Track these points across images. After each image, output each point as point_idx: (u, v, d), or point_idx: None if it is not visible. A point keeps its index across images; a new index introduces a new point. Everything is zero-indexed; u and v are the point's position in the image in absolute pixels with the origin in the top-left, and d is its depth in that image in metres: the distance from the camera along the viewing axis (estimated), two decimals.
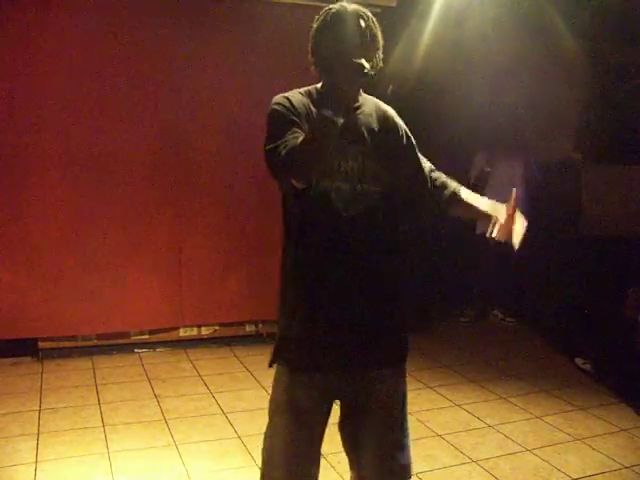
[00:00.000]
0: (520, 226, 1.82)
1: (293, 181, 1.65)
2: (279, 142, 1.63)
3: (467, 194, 1.91)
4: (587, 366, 4.31)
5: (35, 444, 3.09)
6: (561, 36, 4.75)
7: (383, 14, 4.70)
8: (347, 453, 1.90)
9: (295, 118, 1.69)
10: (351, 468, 1.91)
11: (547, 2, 4.67)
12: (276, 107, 1.73)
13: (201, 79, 4.42)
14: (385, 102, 1.90)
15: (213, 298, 4.63)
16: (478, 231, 5.48)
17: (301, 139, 1.59)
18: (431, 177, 1.91)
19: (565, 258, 5.13)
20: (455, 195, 1.89)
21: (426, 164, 1.93)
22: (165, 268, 4.52)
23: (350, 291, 1.74)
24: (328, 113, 1.53)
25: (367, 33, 1.71)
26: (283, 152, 1.60)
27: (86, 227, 4.30)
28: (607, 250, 4.61)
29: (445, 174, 1.96)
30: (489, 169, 5.32)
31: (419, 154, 1.91)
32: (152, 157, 4.41)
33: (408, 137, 1.88)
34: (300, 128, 1.66)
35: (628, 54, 4.97)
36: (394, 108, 1.90)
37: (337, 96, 1.57)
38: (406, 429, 1.86)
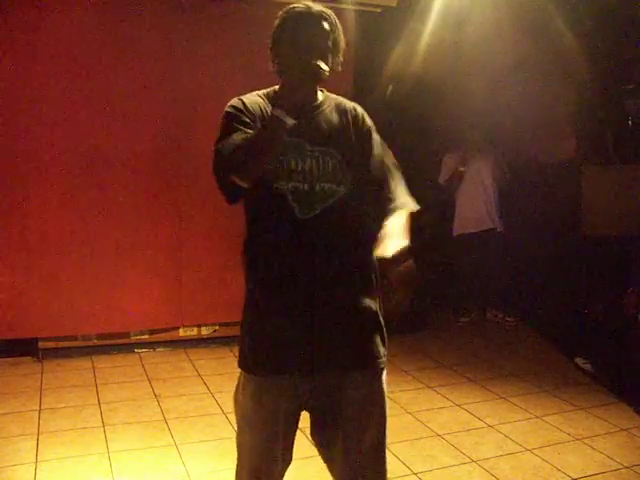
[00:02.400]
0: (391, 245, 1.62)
1: (235, 179, 1.60)
2: (226, 140, 1.62)
3: (396, 220, 1.72)
4: (587, 366, 4.32)
5: (35, 444, 3.09)
6: (561, 36, 4.75)
7: (383, 15, 4.72)
8: (324, 460, 1.85)
9: (247, 119, 1.67)
10: (331, 474, 1.86)
11: (547, 2, 4.67)
12: (229, 109, 1.72)
13: (201, 79, 4.42)
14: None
15: (213, 298, 4.62)
16: (455, 232, 5.51)
17: (246, 137, 1.57)
18: (387, 185, 1.78)
19: (565, 258, 5.14)
20: (385, 216, 1.74)
21: (384, 171, 1.80)
22: (165, 268, 4.52)
23: (311, 292, 1.67)
24: (277, 112, 1.53)
25: (329, 36, 1.69)
26: (227, 150, 1.59)
27: (86, 227, 4.30)
28: (607, 250, 4.62)
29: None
30: (463, 168, 5.33)
31: (385, 150, 1.82)
32: (152, 157, 4.41)
33: (371, 134, 1.80)
34: (251, 128, 1.64)
35: (628, 54, 4.97)
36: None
37: (290, 96, 1.56)
38: (381, 444, 1.76)
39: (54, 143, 4.20)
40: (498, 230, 5.43)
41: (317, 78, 1.57)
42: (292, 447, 1.81)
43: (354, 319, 1.71)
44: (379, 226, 1.70)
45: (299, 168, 1.67)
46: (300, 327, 1.68)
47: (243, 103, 1.73)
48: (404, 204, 1.77)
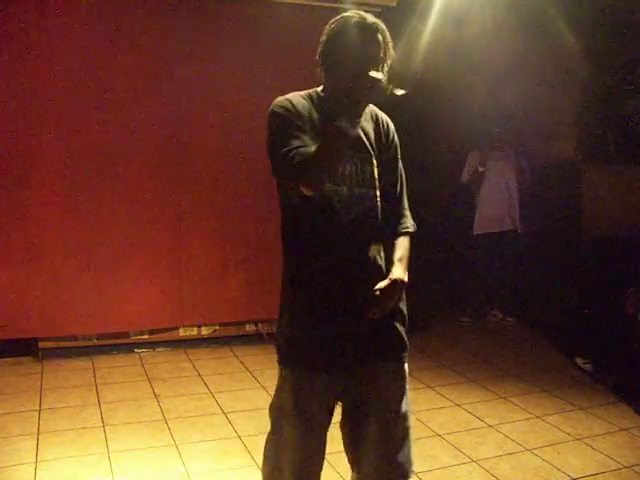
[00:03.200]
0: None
1: (303, 189, 1.66)
2: (290, 148, 1.65)
3: (403, 243, 1.88)
4: (587, 366, 4.32)
5: (35, 444, 3.09)
6: (561, 36, 4.75)
7: (383, 14, 4.71)
8: (347, 452, 1.91)
9: (299, 122, 1.71)
10: (351, 467, 1.92)
11: (547, 2, 4.67)
12: (279, 110, 1.74)
13: (202, 79, 4.42)
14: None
15: (213, 298, 4.63)
16: (475, 232, 5.51)
17: (314, 149, 1.62)
18: (402, 199, 1.93)
19: (565, 258, 5.14)
20: (395, 234, 1.89)
21: (403, 187, 1.94)
22: (165, 268, 4.52)
23: (353, 292, 1.76)
24: (344, 125, 1.57)
25: (384, 48, 1.74)
26: (296, 159, 1.63)
27: (86, 227, 4.31)
28: (607, 250, 4.61)
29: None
30: (482, 169, 5.33)
31: (402, 170, 1.93)
32: (152, 157, 4.41)
33: (397, 149, 1.92)
34: (304, 133, 1.68)
35: (628, 54, 4.97)
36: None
37: (351, 107, 1.61)
38: (407, 427, 1.86)
39: (54, 143, 4.20)
40: (518, 231, 5.43)
41: (379, 92, 1.61)
42: (326, 441, 1.86)
43: (384, 317, 1.78)
44: (394, 235, 1.88)
45: (341, 172, 1.74)
46: (336, 325, 1.76)
47: (292, 104, 1.75)
48: (409, 225, 1.92)
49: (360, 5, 4.56)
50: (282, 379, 1.84)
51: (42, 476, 2.79)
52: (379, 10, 4.46)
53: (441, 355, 4.65)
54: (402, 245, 1.87)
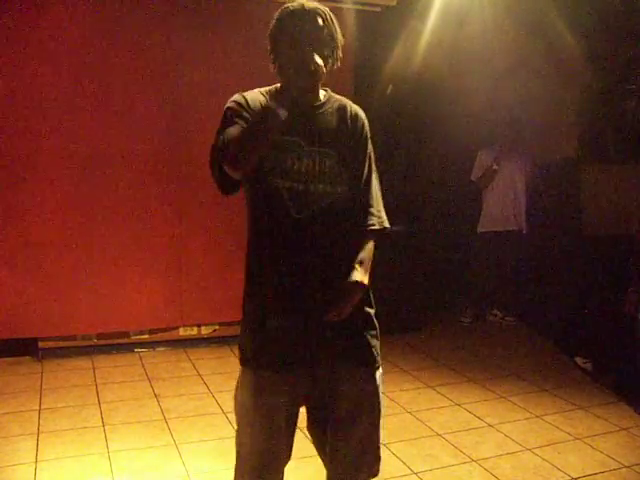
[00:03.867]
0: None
1: (228, 169, 1.61)
2: (222, 133, 1.64)
3: (367, 243, 1.79)
4: (587, 365, 4.32)
5: (35, 444, 3.09)
6: (561, 36, 4.75)
7: (383, 14, 4.72)
8: (319, 454, 1.89)
9: (246, 114, 1.68)
10: (325, 467, 1.90)
11: (547, 2, 4.67)
12: (230, 104, 1.73)
13: (202, 78, 4.42)
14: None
15: (213, 298, 4.62)
16: (480, 229, 5.51)
17: (240, 129, 1.59)
18: (368, 195, 1.82)
19: (565, 257, 5.14)
20: (362, 230, 1.81)
21: (372, 183, 1.84)
22: (165, 268, 4.52)
23: (306, 290, 1.71)
24: (271, 104, 1.55)
25: (324, 32, 1.70)
26: (221, 141, 1.62)
27: (86, 227, 4.31)
28: (607, 250, 4.61)
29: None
30: (497, 167, 5.32)
31: (372, 166, 1.84)
32: (152, 157, 4.41)
33: (365, 141, 1.83)
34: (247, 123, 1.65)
35: (628, 54, 4.97)
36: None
37: (287, 91, 1.58)
38: (374, 432, 1.82)
39: (54, 143, 4.19)
40: (523, 232, 5.44)
41: (312, 72, 1.57)
42: (292, 444, 1.83)
43: (347, 318, 1.71)
44: (358, 234, 1.79)
45: (295, 167, 1.69)
46: (296, 324, 1.71)
47: (244, 98, 1.74)
48: (375, 222, 1.81)
49: (360, 4, 4.56)
50: (241, 377, 1.81)
51: (42, 476, 2.79)
52: (379, 10, 4.47)
53: (441, 355, 4.65)
54: (364, 246, 1.77)
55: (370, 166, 1.84)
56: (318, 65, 1.57)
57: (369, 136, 1.84)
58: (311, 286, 1.71)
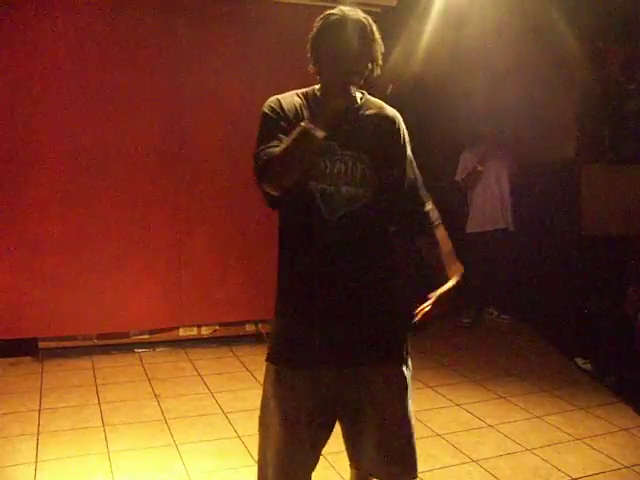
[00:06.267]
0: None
1: (265, 187, 1.68)
2: (263, 147, 1.67)
3: (442, 237, 1.92)
4: (587, 366, 4.31)
5: (35, 444, 3.09)
6: (561, 37, 4.75)
7: (383, 14, 4.71)
8: (347, 451, 1.90)
9: (284, 123, 1.70)
10: (351, 466, 1.91)
11: (547, 2, 4.67)
12: (266, 110, 1.75)
13: (202, 78, 4.42)
14: (384, 101, 1.88)
15: (213, 298, 4.62)
16: (468, 230, 5.52)
17: (279, 149, 1.62)
18: (419, 196, 1.88)
19: (565, 258, 5.14)
20: (430, 230, 1.90)
21: (418, 183, 1.89)
22: (165, 268, 4.52)
23: (337, 291, 1.73)
24: (307, 125, 1.58)
25: (365, 42, 1.70)
26: (262, 160, 1.65)
27: (86, 227, 4.30)
28: (607, 250, 4.62)
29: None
30: (481, 168, 5.33)
31: (414, 168, 1.88)
32: (152, 157, 4.41)
33: (405, 146, 1.85)
34: (285, 133, 1.67)
35: (628, 54, 4.97)
36: (393, 107, 1.88)
37: (325, 107, 1.61)
38: (408, 426, 1.82)
39: (54, 143, 4.19)
40: (510, 230, 5.45)
41: (347, 94, 1.61)
42: (319, 446, 1.82)
43: (373, 319, 1.76)
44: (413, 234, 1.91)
45: (328, 170, 1.72)
46: (320, 324, 1.74)
47: (280, 104, 1.75)
48: (434, 217, 1.90)
49: (360, 5, 4.56)
50: (266, 373, 1.83)
51: (42, 476, 2.79)
52: (379, 10, 4.46)
53: (441, 355, 4.65)
54: (444, 239, 1.90)
55: (414, 169, 1.88)
56: (351, 87, 1.63)
57: (407, 139, 1.86)
58: (337, 285, 1.74)
